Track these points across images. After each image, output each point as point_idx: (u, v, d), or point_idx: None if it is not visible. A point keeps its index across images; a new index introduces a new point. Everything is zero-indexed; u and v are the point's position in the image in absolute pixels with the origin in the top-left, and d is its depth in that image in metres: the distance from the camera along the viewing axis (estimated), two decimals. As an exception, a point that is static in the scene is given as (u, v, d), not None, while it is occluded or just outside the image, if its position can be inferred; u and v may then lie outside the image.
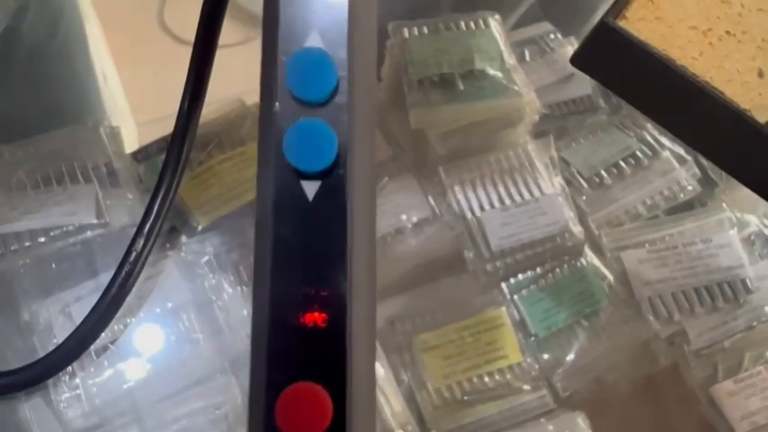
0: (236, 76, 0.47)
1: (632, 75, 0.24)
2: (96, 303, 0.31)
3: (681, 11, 0.23)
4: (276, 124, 0.20)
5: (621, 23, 0.23)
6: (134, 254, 0.31)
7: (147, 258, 0.32)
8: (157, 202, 0.31)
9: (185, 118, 0.31)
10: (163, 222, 0.32)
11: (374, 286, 0.20)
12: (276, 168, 0.20)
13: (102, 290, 0.33)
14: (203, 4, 0.29)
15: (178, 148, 0.32)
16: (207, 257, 0.37)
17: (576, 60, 0.26)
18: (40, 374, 0.31)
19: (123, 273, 0.31)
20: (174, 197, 0.32)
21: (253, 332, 0.20)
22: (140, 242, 0.31)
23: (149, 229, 0.31)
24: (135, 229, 0.36)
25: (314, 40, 0.20)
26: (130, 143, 0.41)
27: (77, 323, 0.34)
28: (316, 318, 0.19)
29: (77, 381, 0.33)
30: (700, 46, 0.23)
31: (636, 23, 0.23)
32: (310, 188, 0.20)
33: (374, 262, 0.21)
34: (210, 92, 0.37)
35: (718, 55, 0.23)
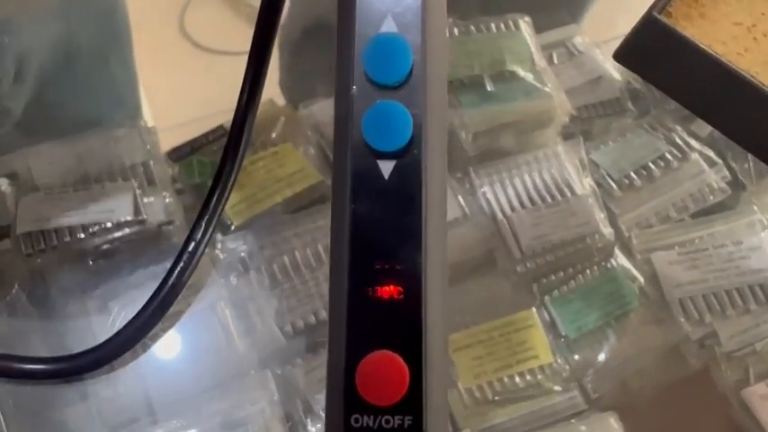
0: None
1: (676, 70, 0.24)
2: (155, 292, 0.32)
3: (724, 7, 0.23)
4: (354, 106, 0.21)
5: (666, 19, 0.23)
6: (193, 243, 0.32)
7: (205, 248, 0.32)
8: (216, 192, 0.32)
9: (244, 108, 0.32)
10: (221, 213, 0.33)
11: (447, 261, 0.21)
12: (353, 149, 0.21)
13: (140, 286, 0.34)
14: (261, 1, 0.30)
15: (236, 139, 0.33)
16: (241, 255, 0.37)
17: (620, 56, 0.26)
18: (97, 360, 0.32)
19: (182, 261, 0.31)
20: (232, 188, 0.33)
21: (331, 304, 0.21)
22: (198, 232, 0.32)
23: (208, 219, 0.32)
24: (171, 227, 0.37)
25: (389, 26, 0.21)
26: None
27: (115, 320, 0.34)
28: (392, 290, 0.20)
29: (115, 375, 0.33)
30: (744, 42, 0.23)
31: (680, 20, 0.23)
32: (386, 167, 0.20)
33: (446, 238, 0.21)
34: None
35: (764, 50, 0.23)
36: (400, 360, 0.19)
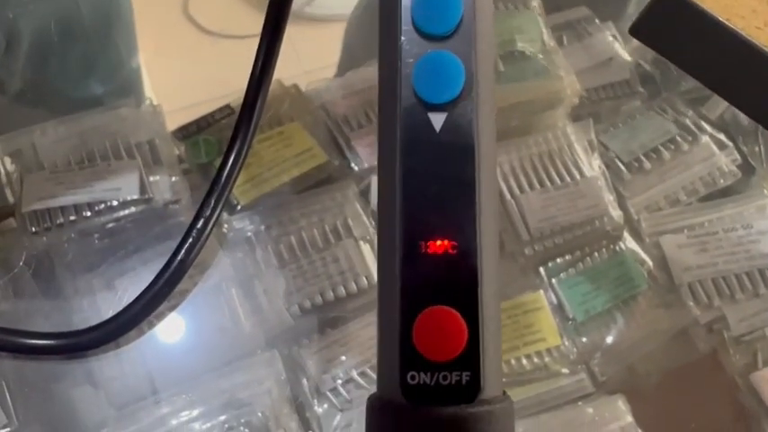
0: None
1: (693, 45, 0.24)
2: (162, 269, 0.31)
3: (744, -20, 0.23)
4: (403, 58, 0.20)
5: (684, -7, 0.23)
6: (202, 220, 0.31)
7: (214, 225, 0.32)
8: (226, 168, 0.32)
9: (256, 84, 0.32)
10: (230, 190, 0.33)
11: (498, 215, 0.21)
12: (403, 101, 0.20)
13: (145, 264, 0.34)
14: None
15: (248, 115, 0.32)
16: (247, 235, 0.37)
17: (636, 31, 0.25)
18: (102, 337, 0.31)
19: (191, 239, 0.31)
20: (242, 165, 0.33)
21: (380, 262, 0.21)
22: (208, 209, 0.32)
23: (218, 196, 0.32)
24: (178, 206, 0.36)
25: None
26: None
27: (121, 298, 0.34)
28: (446, 245, 0.19)
29: (120, 353, 0.33)
30: (764, 16, 0.22)
31: (698, -7, 0.23)
32: (437, 119, 0.20)
33: (497, 191, 0.21)
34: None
35: (785, 25, 0.22)
36: (457, 315, 0.19)
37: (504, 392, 0.21)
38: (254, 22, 0.34)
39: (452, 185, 0.20)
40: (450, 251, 0.19)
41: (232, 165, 0.32)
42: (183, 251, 0.31)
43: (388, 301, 0.20)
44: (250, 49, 0.39)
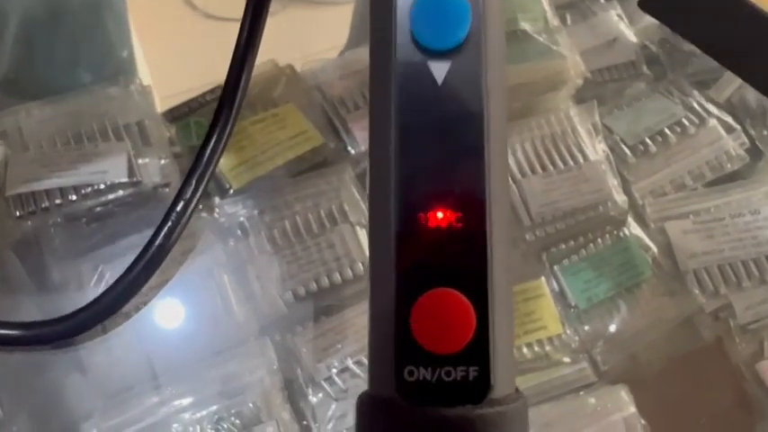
0: (270, 47, 0.45)
1: (705, 17, 0.22)
2: (139, 254, 0.30)
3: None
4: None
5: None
6: (182, 203, 0.30)
7: (194, 209, 0.30)
8: (209, 148, 0.30)
9: (240, 61, 0.30)
10: (213, 171, 0.31)
11: (508, 183, 0.18)
12: (400, 48, 0.17)
13: (134, 249, 0.32)
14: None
15: (232, 91, 0.31)
16: (240, 219, 0.36)
17: (645, 4, 0.24)
18: (76, 327, 0.30)
19: (170, 222, 0.30)
20: (228, 141, 0.31)
21: (371, 240, 0.18)
22: (189, 191, 0.30)
23: (199, 176, 0.30)
24: (167, 189, 0.35)
25: None
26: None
27: (109, 283, 0.33)
28: (450, 217, 0.16)
29: (109, 341, 0.32)
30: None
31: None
32: (439, 69, 0.17)
33: (507, 155, 0.18)
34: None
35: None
36: (464, 299, 0.16)
37: (518, 390, 0.18)
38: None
39: (457, 147, 0.17)
40: (455, 224, 0.16)
41: (214, 145, 0.31)
42: (161, 236, 0.30)
43: (382, 283, 0.17)
44: (262, 40, 0.38)
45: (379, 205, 0.17)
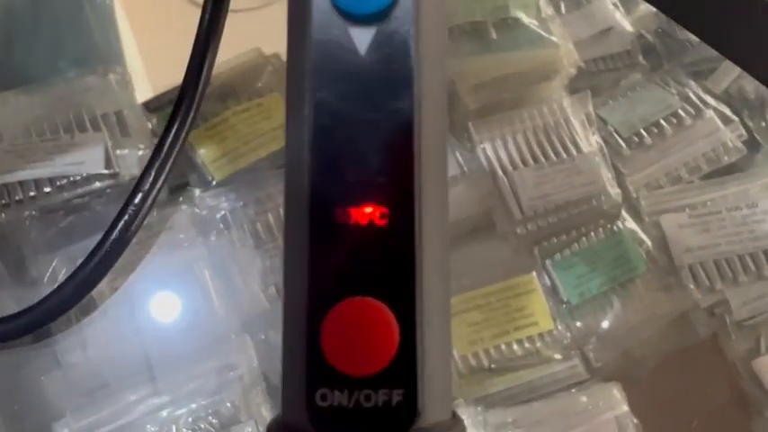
0: (256, 41, 0.44)
1: (700, 2, 0.21)
2: (96, 246, 0.29)
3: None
4: None
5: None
6: (140, 195, 0.28)
7: (155, 200, 0.29)
8: (171, 134, 0.29)
9: (205, 35, 0.29)
10: (175, 160, 0.30)
11: (445, 172, 0.15)
12: (317, 12, 0.15)
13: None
14: None
15: (197, 73, 0.29)
16: (222, 213, 0.35)
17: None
18: (22, 327, 0.29)
19: (126, 216, 0.28)
20: (189, 131, 0.30)
21: (286, 236, 0.15)
22: (147, 181, 0.29)
23: (159, 166, 0.29)
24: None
25: None
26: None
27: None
28: (372, 212, 0.14)
29: (83, 337, 0.31)
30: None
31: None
32: (362, 37, 0.15)
33: (445, 138, 0.16)
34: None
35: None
36: (385, 309, 0.14)
37: (455, 415, 0.15)
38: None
39: (382, 130, 0.14)
40: (378, 221, 0.14)
41: (175, 135, 0.29)
42: (117, 230, 0.28)
43: (294, 292, 0.15)
44: (245, 24, 0.37)
45: (294, 199, 0.15)
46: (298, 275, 0.14)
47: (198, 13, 0.31)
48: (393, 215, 0.14)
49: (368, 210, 0.14)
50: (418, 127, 0.14)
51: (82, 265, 0.29)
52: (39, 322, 0.29)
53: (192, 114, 0.30)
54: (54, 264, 0.34)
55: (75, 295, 0.29)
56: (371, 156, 0.14)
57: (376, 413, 0.14)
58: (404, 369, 0.14)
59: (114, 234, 0.28)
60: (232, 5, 0.31)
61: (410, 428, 0.14)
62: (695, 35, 0.23)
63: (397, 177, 0.14)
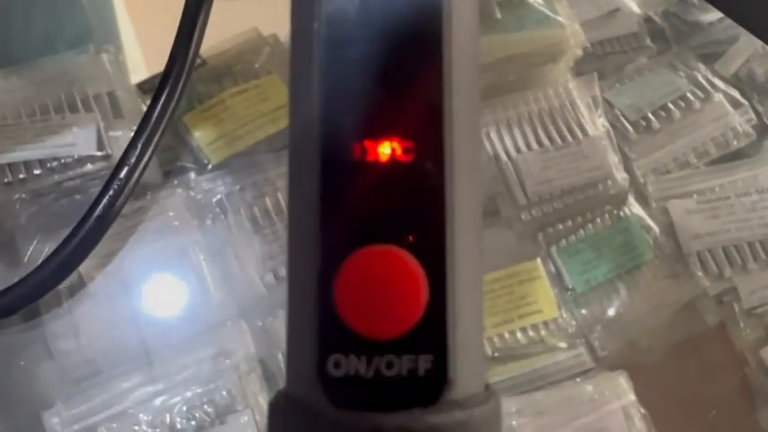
0: (254, 24, 0.43)
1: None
2: (76, 225, 0.28)
3: None
4: None
5: None
6: (126, 169, 0.27)
7: (140, 176, 0.28)
8: (156, 111, 0.27)
9: (192, 15, 0.27)
10: (162, 133, 0.29)
11: (479, 104, 0.13)
12: None
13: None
14: None
15: (186, 41, 0.28)
16: (218, 197, 0.34)
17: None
18: (10, 304, 0.28)
19: (111, 191, 0.27)
20: (178, 103, 0.29)
21: (291, 183, 0.13)
22: (133, 155, 0.28)
23: (145, 141, 0.28)
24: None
25: None
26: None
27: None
28: (396, 145, 0.12)
29: (75, 324, 0.30)
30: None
31: None
32: None
33: (478, 61, 0.13)
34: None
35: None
36: (411, 259, 0.11)
37: (488, 387, 0.13)
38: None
39: (407, 48, 0.12)
40: (403, 156, 0.11)
41: (162, 107, 0.28)
42: (101, 205, 0.27)
43: (302, 243, 0.12)
44: (242, 6, 0.36)
45: (300, 135, 0.12)
46: (306, 221, 0.12)
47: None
48: (419, 148, 0.11)
49: (390, 144, 0.12)
50: (450, 46, 0.12)
51: (64, 242, 0.28)
52: (23, 301, 0.28)
53: (180, 85, 0.29)
54: (45, 248, 0.33)
55: (58, 273, 0.28)
56: (396, 82, 0.12)
57: (399, 383, 0.11)
58: (433, 331, 0.12)
59: (98, 210, 0.27)
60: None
61: (439, 401, 0.12)
62: (714, 5, 0.21)
63: (425, 103, 0.12)
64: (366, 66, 0.12)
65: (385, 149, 0.12)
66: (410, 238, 0.12)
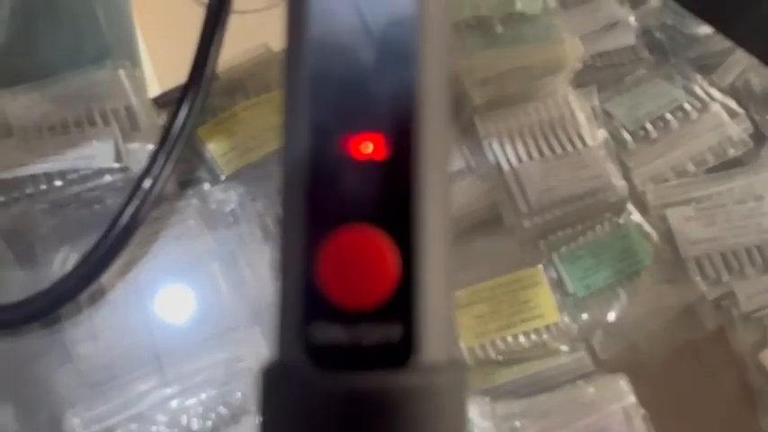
0: (263, 41, 0.45)
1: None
2: (103, 235, 0.29)
3: None
4: None
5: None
6: (150, 180, 0.29)
7: (163, 186, 0.29)
8: (177, 124, 0.29)
9: (213, 20, 0.28)
10: (184, 145, 0.30)
11: (447, 96, 0.15)
12: None
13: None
14: None
15: (203, 60, 0.29)
16: (231, 207, 0.35)
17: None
18: (31, 313, 0.29)
19: (137, 200, 0.28)
20: (198, 113, 0.30)
21: (285, 169, 0.14)
22: (157, 168, 0.29)
23: (168, 154, 0.29)
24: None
25: None
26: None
27: (96, 271, 0.32)
28: (372, 142, 0.14)
29: (94, 329, 0.31)
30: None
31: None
32: None
33: (451, 63, 0.15)
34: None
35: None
36: (385, 239, 0.13)
37: (456, 360, 0.15)
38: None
39: (386, 50, 0.13)
40: (377, 151, 0.13)
41: (184, 121, 0.30)
42: (126, 215, 0.28)
43: (290, 221, 0.14)
44: (252, 24, 0.37)
45: (294, 127, 0.14)
46: (295, 205, 0.14)
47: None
48: (392, 145, 0.14)
49: (367, 141, 0.14)
50: (422, 47, 0.14)
51: (92, 250, 0.29)
52: (49, 308, 0.29)
53: (200, 99, 0.30)
54: (65, 257, 0.34)
55: (83, 281, 0.29)
56: (375, 80, 0.14)
57: (373, 348, 0.13)
58: (403, 303, 0.13)
59: (125, 219, 0.28)
60: (240, 7, 0.31)
61: (407, 365, 0.13)
62: (706, 22, 0.22)
63: (395, 101, 0.14)
64: (348, 76, 0.14)
65: (364, 145, 0.14)
66: (384, 220, 0.14)
